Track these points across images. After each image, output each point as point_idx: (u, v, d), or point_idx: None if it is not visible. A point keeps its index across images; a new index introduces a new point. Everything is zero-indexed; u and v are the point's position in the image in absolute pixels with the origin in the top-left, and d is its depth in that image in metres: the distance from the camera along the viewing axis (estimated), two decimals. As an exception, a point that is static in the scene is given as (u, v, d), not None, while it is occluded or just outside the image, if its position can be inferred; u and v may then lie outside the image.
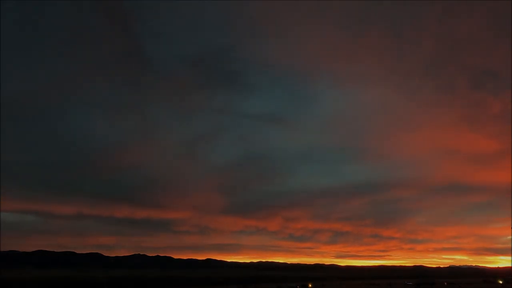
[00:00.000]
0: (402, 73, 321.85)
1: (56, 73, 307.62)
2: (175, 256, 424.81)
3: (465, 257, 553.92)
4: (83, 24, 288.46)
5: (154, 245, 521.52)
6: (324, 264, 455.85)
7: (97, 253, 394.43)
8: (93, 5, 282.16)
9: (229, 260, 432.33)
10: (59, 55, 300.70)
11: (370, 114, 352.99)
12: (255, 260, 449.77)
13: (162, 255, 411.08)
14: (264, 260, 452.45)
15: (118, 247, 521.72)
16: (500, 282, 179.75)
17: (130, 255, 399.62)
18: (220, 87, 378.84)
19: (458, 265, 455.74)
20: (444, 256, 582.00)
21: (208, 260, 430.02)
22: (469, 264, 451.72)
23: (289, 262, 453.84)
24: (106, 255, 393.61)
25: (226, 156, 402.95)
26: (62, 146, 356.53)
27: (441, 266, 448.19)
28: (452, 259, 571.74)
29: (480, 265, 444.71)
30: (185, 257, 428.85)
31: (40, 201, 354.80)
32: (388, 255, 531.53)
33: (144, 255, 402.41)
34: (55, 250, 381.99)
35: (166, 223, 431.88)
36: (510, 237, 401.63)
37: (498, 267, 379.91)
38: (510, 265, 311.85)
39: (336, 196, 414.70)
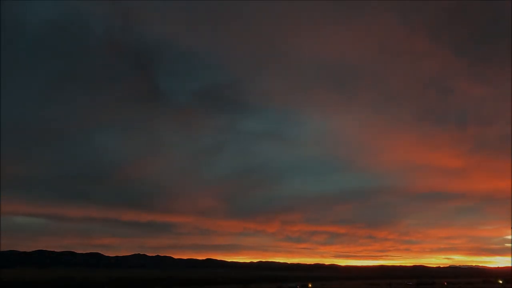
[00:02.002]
0: (356, 111, 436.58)
1: (85, 103, 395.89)
2: (175, 256, 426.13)
3: (461, 257, 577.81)
4: (110, 66, 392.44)
5: (154, 245, 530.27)
6: (324, 264, 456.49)
7: (97, 253, 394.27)
8: (118, 51, 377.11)
9: (229, 260, 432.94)
10: (88, 90, 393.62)
11: (344, 135, 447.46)
12: (255, 260, 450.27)
13: (162, 255, 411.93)
14: (264, 260, 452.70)
15: (119, 247, 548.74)
16: (500, 282, 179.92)
17: (130, 255, 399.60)
18: (223, 111, 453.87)
19: (458, 265, 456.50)
20: (441, 256, 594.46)
21: (208, 260, 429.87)
22: (469, 264, 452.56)
23: (289, 262, 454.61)
24: (106, 255, 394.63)
25: (227, 168, 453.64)
26: (81, 161, 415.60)
27: (441, 266, 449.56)
28: (450, 259, 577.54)
29: (480, 265, 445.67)
30: (185, 257, 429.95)
31: (53, 206, 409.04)
32: (386, 255, 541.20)
33: (144, 255, 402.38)
34: (55, 250, 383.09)
35: (169, 226, 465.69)
36: (500, 238, 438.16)
37: (498, 267, 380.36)
38: (510, 265, 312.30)
39: (327, 202, 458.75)
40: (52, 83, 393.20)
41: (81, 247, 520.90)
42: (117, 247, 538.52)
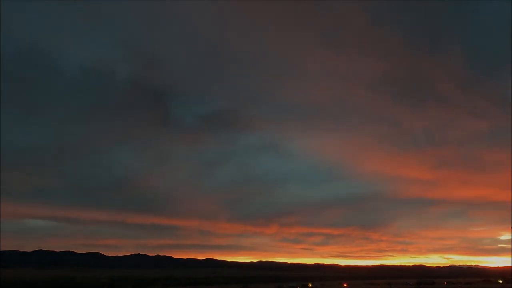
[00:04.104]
0: (329, 134, 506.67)
1: (108, 127, 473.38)
2: (175, 256, 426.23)
3: (458, 257, 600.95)
4: (131, 98, 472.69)
5: (154, 245, 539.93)
6: (324, 264, 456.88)
7: (97, 253, 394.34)
8: (137, 87, 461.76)
9: (229, 260, 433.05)
10: (111, 116, 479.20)
11: (327, 151, 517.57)
12: (255, 260, 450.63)
13: (162, 255, 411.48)
14: (264, 260, 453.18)
15: (121, 247, 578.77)
16: (500, 281, 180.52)
17: (130, 255, 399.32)
18: (224, 130, 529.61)
19: (457, 265, 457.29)
20: (437, 256, 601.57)
21: (208, 260, 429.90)
22: (469, 264, 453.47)
23: (289, 262, 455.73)
24: (106, 255, 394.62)
25: (229, 177, 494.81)
26: (99, 173, 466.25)
27: (441, 266, 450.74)
28: (448, 258, 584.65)
29: (480, 264, 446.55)
30: (185, 257, 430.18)
31: (67, 211, 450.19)
32: (385, 255, 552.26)
33: (144, 255, 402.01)
34: (55, 250, 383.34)
35: (173, 228, 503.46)
36: (492, 238, 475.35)
37: (498, 267, 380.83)
38: (509, 265, 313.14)
39: (321, 207, 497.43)
40: (82, 112, 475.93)
41: (84, 247, 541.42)
42: (119, 247, 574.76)
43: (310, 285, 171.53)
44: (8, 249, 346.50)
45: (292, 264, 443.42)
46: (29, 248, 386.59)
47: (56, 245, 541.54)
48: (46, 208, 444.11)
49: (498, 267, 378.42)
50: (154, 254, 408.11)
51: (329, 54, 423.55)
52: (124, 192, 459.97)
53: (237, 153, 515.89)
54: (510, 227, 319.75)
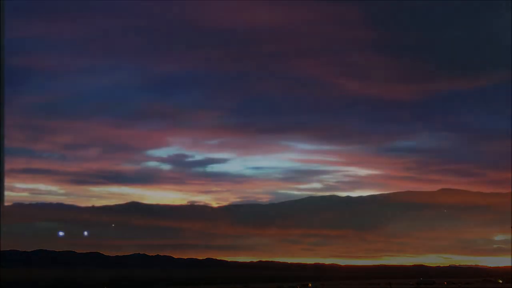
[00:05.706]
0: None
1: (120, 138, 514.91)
2: (175, 256, 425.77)
3: (457, 256, 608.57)
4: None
5: (154, 245, 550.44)
6: (324, 264, 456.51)
7: (97, 253, 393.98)
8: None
9: (229, 260, 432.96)
10: (126, 130, 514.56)
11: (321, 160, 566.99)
12: (255, 260, 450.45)
13: (162, 254, 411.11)
14: (264, 260, 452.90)
15: (120, 247, 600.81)
16: (500, 281, 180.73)
17: (130, 255, 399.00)
18: (229, 139, 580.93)
19: (457, 265, 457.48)
20: (435, 256, 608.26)
21: (208, 259, 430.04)
22: (469, 264, 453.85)
23: (289, 262, 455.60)
24: (106, 254, 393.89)
25: (229, 182, 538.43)
26: (103, 176, 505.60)
27: (441, 266, 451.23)
28: (448, 258, 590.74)
29: (480, 264, 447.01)
30: (185, 257, 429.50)
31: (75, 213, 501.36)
32: (385, 255, 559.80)
33: (144, 255, 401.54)
34: (55, 250, 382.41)
35: (175, 229, 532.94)
36: (487, 239, 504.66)
37: (498, 267, 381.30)
38: (509, 265, 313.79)
39: (317, 209, 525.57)
40: (98, 127, 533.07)
41: (84, 247, 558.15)
42: (119, 247, 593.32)
43: (310, 285, 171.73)
44: (8, 249, 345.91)
45: (292, 264, 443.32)
46: (29, 248, 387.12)
47: (56, 245, 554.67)
48: (49, 209, 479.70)
49: (497, 266, 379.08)
50: (154, 254, 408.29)
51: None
52: (129, 194, 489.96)
53: (237, 159, 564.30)
54: (510, 227, 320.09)
